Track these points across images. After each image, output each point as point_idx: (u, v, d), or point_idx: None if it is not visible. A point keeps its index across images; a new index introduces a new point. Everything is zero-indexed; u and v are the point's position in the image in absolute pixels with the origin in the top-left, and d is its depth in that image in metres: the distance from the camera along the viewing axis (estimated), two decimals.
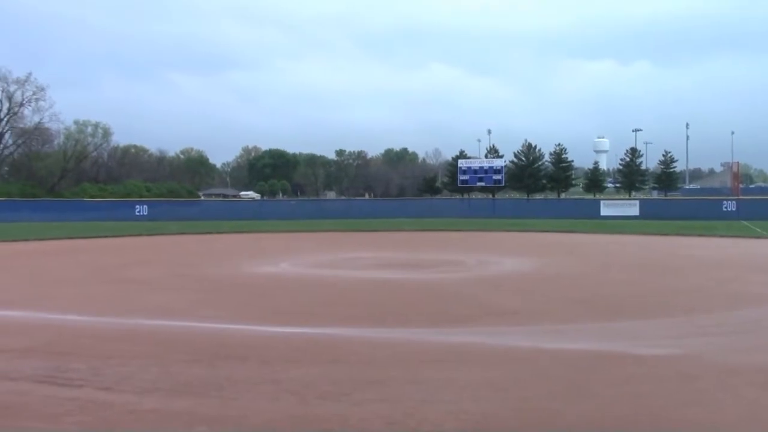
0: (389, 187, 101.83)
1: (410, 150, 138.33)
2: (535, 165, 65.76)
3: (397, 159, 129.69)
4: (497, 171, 43.33)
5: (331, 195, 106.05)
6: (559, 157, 66.01)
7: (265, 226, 29.91)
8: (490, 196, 54.54)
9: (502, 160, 51.83)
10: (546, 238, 22.77)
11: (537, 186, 64.54)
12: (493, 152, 64.78)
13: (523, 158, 66.58)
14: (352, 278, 11.85)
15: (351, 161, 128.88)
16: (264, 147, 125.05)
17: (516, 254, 16.17)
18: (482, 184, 45.57)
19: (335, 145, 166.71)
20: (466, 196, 53.77)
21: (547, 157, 67.86)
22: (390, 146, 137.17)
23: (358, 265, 14.00)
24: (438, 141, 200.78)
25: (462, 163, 45.28)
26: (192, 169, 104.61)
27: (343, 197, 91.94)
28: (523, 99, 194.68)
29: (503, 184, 48.20)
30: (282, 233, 26.39)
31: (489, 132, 77.98)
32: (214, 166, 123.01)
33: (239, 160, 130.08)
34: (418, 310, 8.35)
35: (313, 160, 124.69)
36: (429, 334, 6.89)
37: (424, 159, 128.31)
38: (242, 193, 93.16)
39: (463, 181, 44.27)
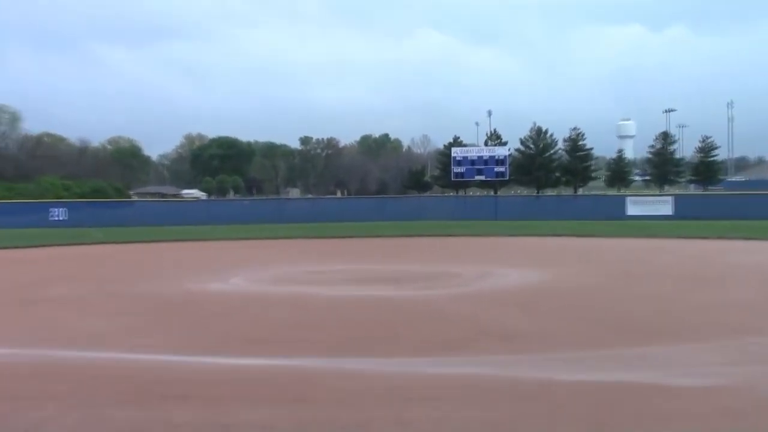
0: (366, 182, 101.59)
1: (392, 136, 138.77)
2: (546, 154, 65.81)
3: (377, 147, 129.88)
4: (500, 161, 43.40)
5: (295, 193, 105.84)
6: (575, 144, 66.64)
7: (213, 233, 29.94)
8: (492, 192, 55.04)
9: (506, 148, 52.08)
10: (559, 244, 23.11)
11: (548, 180, 65.03)
12: (494, 138, 65.10)
13: (532, 146, 66.66)
14: (321, 296, 11.91)
15: (319, 151, 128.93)
16: (211, 134, 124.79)
17: (523, 264, 16.36)
18: (481, 177, 45.57)
19: (299, 131, 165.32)
20: (461, 192, 53.85)
21: (560, 145, 68.34)
22: (367, 132, 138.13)
23: (329, 280, 14.10)
24: (427, 125, 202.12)
25: (456, 152, 45.53)
26: (122, 163, 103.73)
27: (309, 195, 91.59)
28: (531, 73, 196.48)
29: (507, 178, 48.17)
30: (234, 241, 26.40)
31: (489, 114, 78.58)
32: (149, 158, 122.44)
33: (180, 150, 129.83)
34: (404, 335, 8.40)
35: (272, 150, 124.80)
36: (416, 364, 6.92)
37: (409, 147, 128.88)
38: (184, 191, 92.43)
39: (458, 175, 44.31)
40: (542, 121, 72.28)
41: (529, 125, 67.42)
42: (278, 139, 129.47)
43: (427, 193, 72.90)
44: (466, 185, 57.58)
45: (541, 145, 65.55)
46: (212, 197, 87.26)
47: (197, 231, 31.30)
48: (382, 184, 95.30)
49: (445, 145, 70.44)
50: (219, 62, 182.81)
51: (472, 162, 43.33)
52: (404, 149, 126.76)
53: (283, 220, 37.92)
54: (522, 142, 66.75)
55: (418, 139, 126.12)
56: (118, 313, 10.48)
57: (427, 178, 78.51)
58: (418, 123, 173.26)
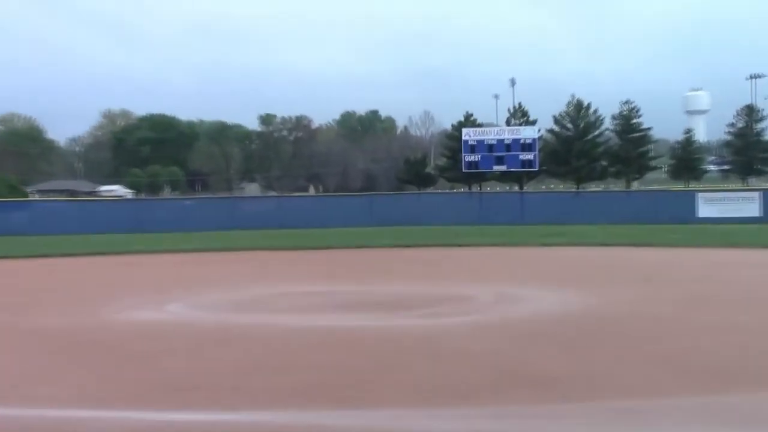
0: (349, 175, 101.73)
1: (383, 114, 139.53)
2: (589, 136, 66.20)
3: (362, 129, 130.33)
4: (527, 147, 43.95)
5: (254, 189, 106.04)
6: (627, 122, 66.95)
7: (142, 243, 30.06)
8: (516, 188, 55.01)
9: (535, 128, 52.29)
10: (608, 257, 23.36)
11: (592, 171, 65.46)
12: (519, 116, 65.10)
13: (569, 125, 66.84)
14: (288, 328, 11.95)
15: (285, 134, 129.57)
16: (139, 112, 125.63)
17: (559, 284, 16.54)
18: (502, 168, 46.25)
19: (259, 107, 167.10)
20: (475, 188, 53.71)
21: (607, 124, 69.12)
22: (350, 108, 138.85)
23: (299, 306, 14.21)
24: (429, 99, 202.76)
25: (469, 135, 45.75)
26: (17, 150, 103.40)
27: (272, 193, 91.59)
28: (569, 29, 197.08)
29: (537, 169, 48.47)
30: (173, 254, 26.63)
31: (512, 83, 78.86)
32: (55, 144, 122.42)
33: (97, 133, 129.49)
34: (402, 380, 8.38)
35: (222, 133, 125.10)
36: (419, 418, 6.89)
37: (406, 129, 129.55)
38: (103, 188, 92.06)
39: (471, 165, 44.64)
40: (583, 92, 72.90)
41: (566, 98, 68.13)
42: (231, 118, 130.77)
43: (430, 190, 73.19)
44: (481, 178, 58.28)
45: (582, 125, 66.12)
46: (142, 196, 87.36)
47: (121, 241, 31.32)
48: (370, 177, 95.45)
49: (453, 126, 70.97)
50: (151, 14, 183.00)
51: (490, 147, 43.55)
52: (399, 131, 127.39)
53: (239, 226, 38.51)
54: (556, 121, 67.20)
55: (417, 117, 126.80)
56: (10, 352, 10.46)
57: (429, 169, 78.86)
58: (418, 97, 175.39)
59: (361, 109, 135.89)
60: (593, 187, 66.06)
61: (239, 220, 40.31)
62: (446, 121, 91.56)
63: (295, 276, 19.60)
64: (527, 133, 45.42)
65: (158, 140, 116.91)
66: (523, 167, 45.29)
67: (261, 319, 12.87)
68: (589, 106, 66.93)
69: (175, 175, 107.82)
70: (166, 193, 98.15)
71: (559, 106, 67.91)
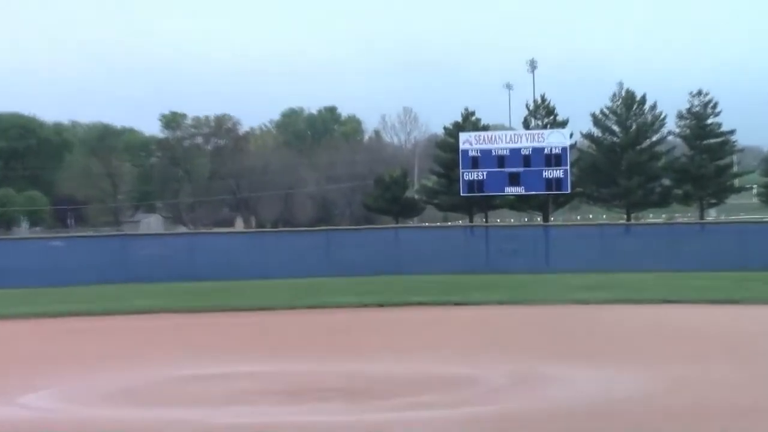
0: (294, 201, 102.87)
1: (344, 113, 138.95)
2: (645, 143, 66.85)
3: (314, 135, 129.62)
4: (554, 159, 44.51)
5: (154, 223, 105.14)
6: (700, 123, 67.16)
7: None
8: (538, 219, 55.43)
9: (566, 131, 52.42)
10: (671, 320, 23.42)
11: (650, 194, 65.97)
12: (543, 114, 65.71)
13: (616, 127, 67.38)
14: (203, 428, 11.82)
15: (201, 141, 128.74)
16: None
17: (599, 359, 16.65)
18: (518, 191, 46.78)
19: (160, 104, 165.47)
20: (479, 220, 52.91)
21: (671, 125, 69.71)
22: (296, 105, 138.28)
23: (220, 395, 14.13)
24: (412, 93, 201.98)
25: (470, 142, 46.13)
26: None
27: (182, 229, 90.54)
28: None
29: (569, 191, 49.36)
30: (29, 320, 26.47)
31: (532, 67, 79.11)
32: None
33: None
34: None
35: (105, 141, 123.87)
36: None
37: (377, 133, 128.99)
38: None
39: (474, 186, 45.14)
40: (634, 81, 72.36)
41: (610, 89, 68.75)
42: (118, 120, 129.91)
43: (413, 222, 74.73)
44: (488, 206, 58.69)
45: (635, 127, 66.81)
46: None
47: None
48: (326, 204, 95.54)
49: (446, 129, 71.56)
50: None
51: (500, 161, 44.01)
52: (368, 137, 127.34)
53: (132, 277, 38.53)
54: (597, 121, 67.95)
55: (394, 117, 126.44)
56: None
57: (412, 192, 79.89)
58: (396, 88, 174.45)
59: (312, 105, 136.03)
60: (651, 217, 66.01)
61: (132, 268, 40.14)
62: (435, 122, 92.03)
63: (213, 350, 19.56)
64: (555, 139, 45.55)
65: (10, 151, 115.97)
66: (548, 189, 45.14)
67: (160, 414, 12.73)
68: (644, 99, 66.93)
69: (35, 202, 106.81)
70: (23, 230, 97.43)
71: (600, 101, 68.02)
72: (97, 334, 23.01)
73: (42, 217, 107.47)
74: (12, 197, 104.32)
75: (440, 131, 76.53)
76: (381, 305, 27.86)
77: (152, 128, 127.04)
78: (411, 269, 40.89)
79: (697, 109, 66.84)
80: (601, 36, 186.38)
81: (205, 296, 30.87)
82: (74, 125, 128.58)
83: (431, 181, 74.42)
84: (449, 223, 61.19)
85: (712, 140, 66.21)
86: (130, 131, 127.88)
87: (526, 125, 63.17)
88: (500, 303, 27.53)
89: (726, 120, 67.39)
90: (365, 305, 27.87)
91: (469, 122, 64.02)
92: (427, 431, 11.15)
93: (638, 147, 64.74)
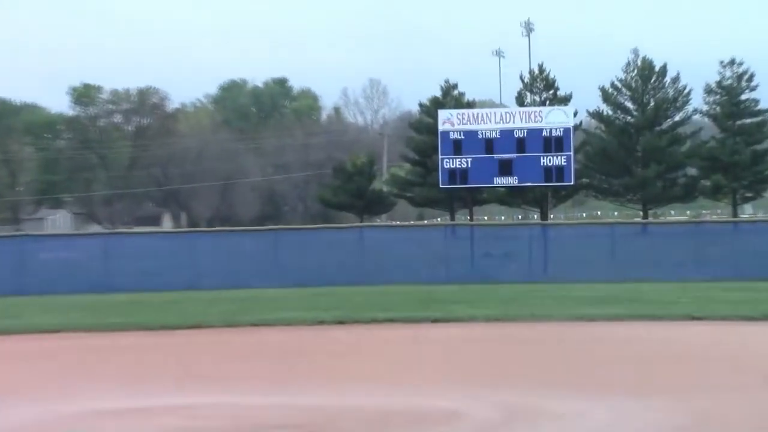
0: (235, 194, 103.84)
1: (296, 86, 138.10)
2: (666, 123, 69.19)
3: (260, 112, 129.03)
4: (555, 143, 45.61)
5: (61, 221, 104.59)
6: (732, 98, 68.45)
7: None
8: (535, 216, 58.00)
9: (570, 109, 53.98)
10: (700, 338, 23.60)
11: (672, 186, 67.71)
12: (541, 88, 67.49)
13: (629, 105, 69.43)
14: None
15: (119, 120, 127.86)
16: None
17: (615, 388, 16.48)
18: (511, 182, 47.91)
19: (69, 76, 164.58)
20: (462, 218, 53.10)
21: (697, 102, 71.69)
22: (237, 76, 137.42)
23: None
24: (380, 63, 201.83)
25: (451, 121, 47.05)
26: None
27: (95, 228, 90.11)
28: None
29: (572, 183, 50.59)
30: None
31: (528, 30, 79.25)
32: None
33: None
34: None
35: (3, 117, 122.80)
36: None
37: (337, 111, 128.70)
38: None
39: (456, 175, 46.28)
40: (653, 49, 71.72)
41: (622, 58, 70.62)
42: (18, 94, 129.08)
43: (381, 221, 77.29)
44: (474, 200, 59.87)
45: (652, 104, 68.54)
46: None
47: None
48: (274, 198, 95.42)
49: (422, 105, 73.53)
50: None
51: (489, 145, 45.00)
52: (326, 115, 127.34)
53: (32, 289, 38.62)
54: (607, 97, 69.93)
55: (358, 91, 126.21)
56: None
57: (380, 183, 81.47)
58: (361, 57, 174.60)
59: (258, 77, 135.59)
60: (673, 214, 66.13)
61: (31, 277, 40.21)
62: (409, 97, 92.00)
63: (130, 378, 19.12)
64: (555, 119, 46.38)
65: None
66: (547, 180, 46.22)
67: None
68: (665, 70, 66.89)
69: None
70: None
71: (611, 72, 68.14)
72: None
73: None
74: None
75: (415, 108, 76.83)
76: (341, 323, 27.75)
77: (60, 105, 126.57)
78: (379, 278, 40.98)
79: (729, 81, 66.93)
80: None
81: (121, 311, 30.76)
82: None
83: (404, 170, 75.13)
84: (425, 222, 61.57)
85: (747, 120, 66.34)
86: (32, 108, 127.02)
87: (521, 101, 64.77)
88: (488, 320, 27.44)
89: (764, 96, 67.68)
90: (322, 322, 27.81)
91: (451, 97, 65.94)
92: None
93: (657, 128, 64.85)
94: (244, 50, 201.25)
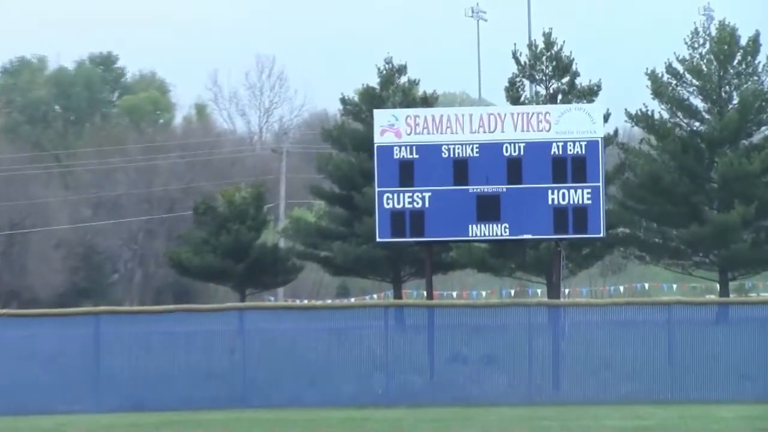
0: (20, 255, 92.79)
1: (132, 71, 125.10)
2: (756, 135, 57.95)
3: (72, 116, 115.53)
4: (571, 168, 38.10)
5: None
6: None
7: None
8: (538, 291, 53.19)
9: (596, 111, 42.62)
10: None
11: (766, 243, 56.61)
12: (549, 74, 54.39)
13: (698, 102, 55.81)
14: None
15: None
16: None
17: None
18: (498, 232, 40.66)
19: None
20: (414, 294, 50.15)
21: None
22: (30, 53, 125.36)
23: None
24: (274, 33, 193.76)
25: (395, 129, 39.52)
26: None
27: None
28: None
29: (601, 233, 42.47)
30: None
31: None
32: None
33: None
34: None
35: None
36: None
37: (201, 111, 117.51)
38: None
39: (404, 224, 40.02)
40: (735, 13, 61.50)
41: (685, 24, 59.22)
42: None
43: (276, 298, 71.00)
44: (436, 263, 50.26)
45: (737, 100, 56.06)
46: None
47: None
48: (89, 259, 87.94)
49: (346, 100, 64.11)
50: None
51: (459, 169, 39.11)
52: (182, 118, 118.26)
53: None
54: (658, 89, 56.40)
55: (237, 79, 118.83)
56: None
57: (274, 233, 74.27)
58: (240, 17, 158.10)
59: (66, 55, 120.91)
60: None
61: None
62: (322, 90, 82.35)
63: None
64: (573, 124, 37.00)
65: None
66: (560, 230, 37.21)
67: None
68: (757, 43, 54.63)
69: None
70: None
71: (665, 48, 58.53)
72: None
73: None
74: None
75: (333, 106, 68.19)
76: None
77: None
78: (271, 398, 36.00)
79: None
80: None
81: None
82: None
83: (314, 212, 65.93)
84: (352, 301, 55.00)
85: None
86: None
87: (514, 95, 52.63)
88: None
89: None
90: None
91: (396, 88, 54.26)
92: None
93: (745, 142, 53.48)
94: (46, 12, 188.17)
